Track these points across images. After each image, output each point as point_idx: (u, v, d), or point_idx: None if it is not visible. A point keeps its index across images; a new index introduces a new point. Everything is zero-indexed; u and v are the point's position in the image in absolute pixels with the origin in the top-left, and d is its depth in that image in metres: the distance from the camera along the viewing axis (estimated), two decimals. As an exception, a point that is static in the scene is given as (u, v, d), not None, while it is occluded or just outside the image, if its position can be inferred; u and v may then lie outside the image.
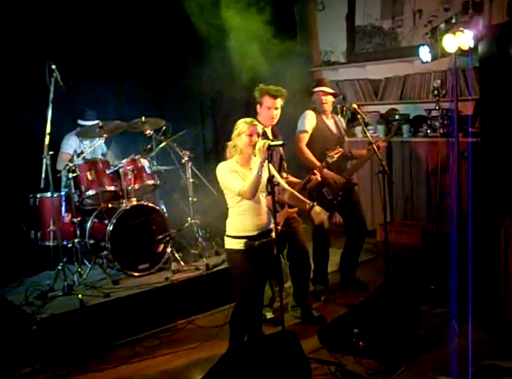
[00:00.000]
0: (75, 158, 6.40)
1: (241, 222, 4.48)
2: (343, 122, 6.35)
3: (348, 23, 9.06)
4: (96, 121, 6.55)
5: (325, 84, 6.20)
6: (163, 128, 6.56)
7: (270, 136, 5.25)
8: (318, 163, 5.68)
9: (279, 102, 5.32)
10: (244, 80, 6.55)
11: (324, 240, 6.19)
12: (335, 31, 9.18)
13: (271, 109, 5.30)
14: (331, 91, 6.17)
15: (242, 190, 4.33)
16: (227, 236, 4.56)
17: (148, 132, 6.42)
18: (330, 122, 6.19)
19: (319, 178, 5.44)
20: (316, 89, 6.15)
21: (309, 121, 6.05)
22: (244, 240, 4.46)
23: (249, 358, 3.89)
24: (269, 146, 4.30)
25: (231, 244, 4.53)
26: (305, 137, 6.02)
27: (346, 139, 6.38)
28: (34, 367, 5.03)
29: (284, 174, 5.33)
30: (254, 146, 4.39)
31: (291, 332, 4.30)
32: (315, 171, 5.40)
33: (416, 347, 4.81)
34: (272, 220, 4.54)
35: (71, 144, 6.76)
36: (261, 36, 6.85)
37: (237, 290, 4.63)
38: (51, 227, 6.12)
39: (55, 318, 5.25)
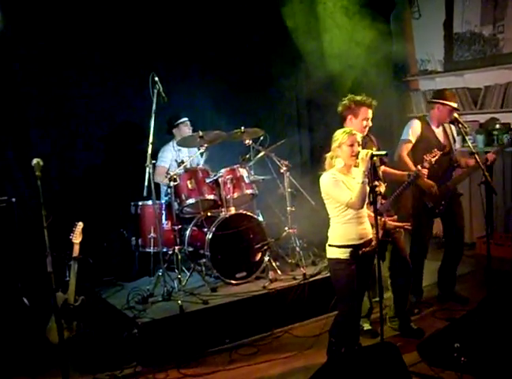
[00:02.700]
0: (172, 169, 6.56)
1: (346, 231, 4.48)
2: (453, 130, 6.13)
3: (445, 30, 8.86)
4: (186, 119, 6.86)
5: (455, 100, 5.99)
6: (261, 138, 6.61)
7: None
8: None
9: (371, 112, 5.30)
10: (340, 89, 6.55)
11: (421, 251, 6.07)
12: (432, 39, 9.00)
13: (366, 120, 5.26)
14: (456, 106, 5.97)
15: (350, 201, 4.35)
16: (331, 246, 4.56)
17: (246, 142, 6.51)
18: (438, 131, 6.01)
19: (425, 172, 5.34)
20: (445, 103, 5.88)
21: (413, 130, 5.92)
22: (349, 249, 4.46)
23: (349, 369, 3.86)
24: (372, 155, 4.30)
25: (335, 253, 4.52)
26: (407, 147, 5.90)
27: (456, 147, 6.21)
28: (135, 369, 5.20)
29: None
30: (356, 156, 4.39)
31: (392, 343, 4.25)
32: (419, 167, 5.30)
33: (521, 364, 4.64)
34: (373, 230, 4.51)
35: (166, 156, 6.93)
36: (358, 45, 6.84)
37: (340, 299, 4.63)
38: (152, 234, 6.31)
39: (156, 323, 5.40)
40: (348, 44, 6.90)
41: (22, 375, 5.16)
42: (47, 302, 4.99)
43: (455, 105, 5.93)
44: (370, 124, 5.31)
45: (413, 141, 5.91)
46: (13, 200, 5.65)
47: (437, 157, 5.34)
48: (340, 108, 5.36)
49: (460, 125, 5.73)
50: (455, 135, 6.16)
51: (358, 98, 5.27)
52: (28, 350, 5.38)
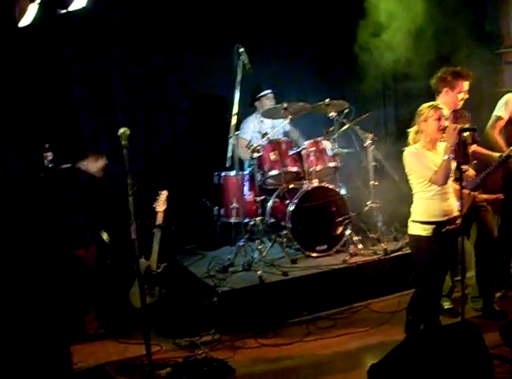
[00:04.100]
0: (254, 141, 6.57)
1: (429, 207, 4.41)
2: None
3: (546, -3, 8.41)
4: (268, 92, 6.81)
5: None
6: (346, 110, 6.51)
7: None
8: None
9: (467, 84, 5.13)
10: (427, 60, 6.36)
11: (510, 231, 5.87)
12: (530, 7, 8.57)
13: (463, 92, 5.11)
14: None
15: (434, 177, 4.27)
16: (413, 221, 4.50)
17: (331, 114, 6.42)
18: None
19: None
20: None
21: (508, 106, 5.63)
22: (432, 226, 4.39)
23: (428, 348, 3.80)
24: (460, 130, 4.18)
25: (417, 230, 4.47)
26: (499, 124, 5.61)
27: None
28: (213, 336, 5.31)
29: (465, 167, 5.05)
30: (442, 130, 4.29)
31: (473, 323, 4.16)
32: None
33: None
34: (458, 207, 4.41)
35: (248, 127, 6.93)
36: (447, 15, 6.60)
37: (419, 276, 4.57)
38: (234, 205, 6.38)
39: (235, 292, 5.49)
40: (436, 14, 6.68)
41: (107, 336, 5.43)
42: (130, 268, 5.13)
43: None
44: (467, 96, 5.16)
45: (505, 118, 5.67)
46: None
47: None
48: (434, 80, 5.23)
49: None
50: None
51: (455, 69, 5.12)
52: (114, 313, 5.60)
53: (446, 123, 4.34)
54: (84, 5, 5.17)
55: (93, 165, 5.76)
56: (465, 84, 5.11)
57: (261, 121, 6.87)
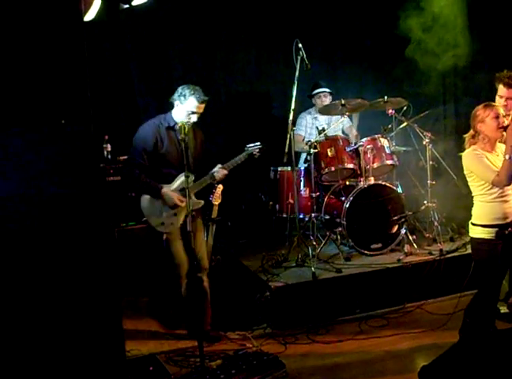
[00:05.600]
0: (308, 137, 6.56)
1: (491, 210, 4.33)
2: None
3: None
4: (320, 90, 6.79)
5: None
6: (404, 108, 6.44)
7: None
8: None
9: (506, 91, 4.97)
10: (489, 59, 6.23)
11: None
12: None
13: (500, 97, 4.98)
14: None
15: (496, 179, 4.19)
16: (474, 224, 4.42)
17: (389, 111, 6.36)
18: None
19: None
20: None
21: None
22: (494, 229, 4.30)
23: (482, 352, 3.75)
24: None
25: (478, 233, 4.39)
26: None
27: None
28: (265, 330, 5.35)
29: None
30: (503, 128, 4.22)
31: (529, 330, 4.08)
32: None
33: None
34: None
35: (301, 123, 6.95)
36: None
37: (481, 280, 4.47)
38: (289, 200, 6.37)
39: (288, 287, 5.50)
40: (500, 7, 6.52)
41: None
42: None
43: None
44: (505, 103, 4.96)
45: None
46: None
47: None
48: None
49: None
50: None
51: (498, 74, 5.00)
52: (164, 303, 5.68)
53: (506, 122, 4.25)
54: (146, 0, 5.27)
55: None
56: (504, 90, 4.96)
57: (315, 117, 6.88)
